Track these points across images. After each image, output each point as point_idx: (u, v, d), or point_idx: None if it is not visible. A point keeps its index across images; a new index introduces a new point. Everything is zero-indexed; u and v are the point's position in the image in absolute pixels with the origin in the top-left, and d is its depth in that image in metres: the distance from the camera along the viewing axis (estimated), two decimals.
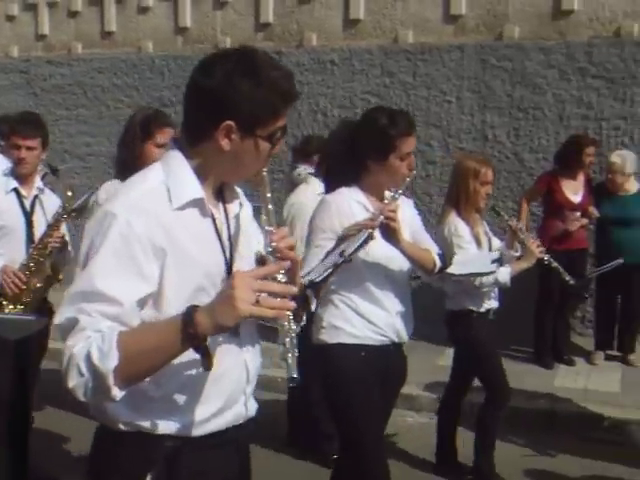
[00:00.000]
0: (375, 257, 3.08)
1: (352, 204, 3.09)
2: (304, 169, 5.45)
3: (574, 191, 6.38)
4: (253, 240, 1.94)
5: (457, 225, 4.13)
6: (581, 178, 6.44)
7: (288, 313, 1.61)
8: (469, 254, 4.08)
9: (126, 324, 1.65)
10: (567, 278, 4.36)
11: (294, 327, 1.63)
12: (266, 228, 1.75)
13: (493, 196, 5.01)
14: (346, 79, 7.73)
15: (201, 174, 1.79)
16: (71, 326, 1.63)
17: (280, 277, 1.66)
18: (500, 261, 4.01)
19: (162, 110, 4.03)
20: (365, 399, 3.10)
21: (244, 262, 1.86)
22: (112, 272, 1.65)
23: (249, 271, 1.64)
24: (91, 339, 1.59)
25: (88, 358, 1.57)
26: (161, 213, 1.72)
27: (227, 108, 1.71)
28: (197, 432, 1.80)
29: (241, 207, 1.93)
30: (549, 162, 6.90)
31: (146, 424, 1.76)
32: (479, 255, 4.13)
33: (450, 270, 3.65)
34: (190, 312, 1.56)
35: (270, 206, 1.80)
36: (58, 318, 1.67)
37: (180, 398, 1.78)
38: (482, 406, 4.32)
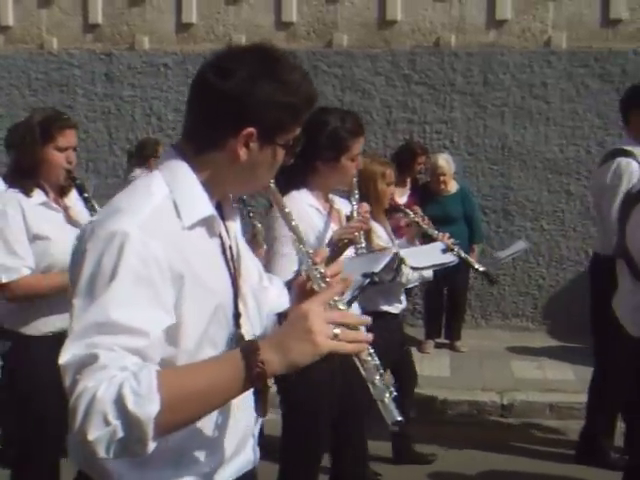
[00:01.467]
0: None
1: (307, 208, 3.02)
2: (140, 173, 5.39)
3: (400, 194, 6.74)
4: (249, 261, 1.74)
5: (373, 227, 4.20)
6: (408, 181, 6.82)
7: (367, 346, 1.43)
8: (409, 250, 4.08)
9: (151, 359, 1.39)
10: (476, 266, 4.47)
11: (377, 362, 1.44)
12: (302, 248, 1.63)
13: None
14: (180, 83, 7.71)
15: (208, 187, 1.56)
16: (84, 364, 1.33)
17: (340, 305, 1.47)
18: (447, 250, 4.02)
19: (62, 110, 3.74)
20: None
21: (247, 287, 1.66)
22: (132, 300, 1.39)
23: (315, 299, 1.44)
24: (118, 379, 1.30)
25: (119, 402, 1.28)
26: (174, 233, 1.49)
27: (249, 113, 1.50)
28: None
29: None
30: None
31: None
32: (420, 249, 4.19)
33: (413, 264, 3.66)
34: (253, 349, 1.35)
35: (294, 222, 1.69)
36: (64, 356, 1.36)
37: (190, 448, 1.55)
38: None
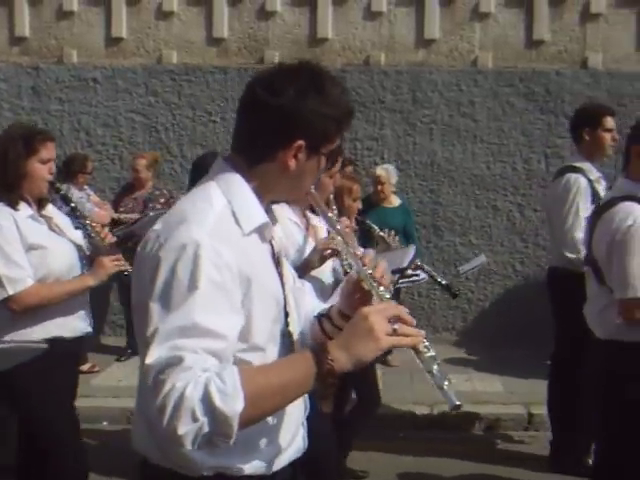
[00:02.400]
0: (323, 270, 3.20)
1: (287, 222, 3.16)
2: (67, 187, 5.30)
3: None
4: (287, 264, 1.90)
5: None
6: None
7: (423, 339, 1.59)
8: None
9: (227, 360, 1.54)
10: (439, 279, 4.51)
11: (433, 353, 1.59)
12: (351, 250, 1.82)
13: None
14: (109, 97, 7.61)
15: (259, 195, 1.70)
16: (170, 365, 1.45)
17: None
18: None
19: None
20: None
21: (288, 288, 1.81)
22: (212, 306, 1.51)
23: (378, 304, 1.65)
24: (203, 379, 1.44)
25: (207, 400, 1.43)
26: (238, 239, 1.62)
27: (299, 127, 1.64)
28: (272, 469, 1.73)
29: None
30: None
31: (230, 466, 1.66)
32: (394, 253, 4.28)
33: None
34: (323, 348, 1.53)
35: (339, 226, 1.88)
36: (150, 358, 1.48)
37: (256, 438, 1.68)
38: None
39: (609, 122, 4.59)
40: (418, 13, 7.44)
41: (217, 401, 1.42)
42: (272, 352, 1.69)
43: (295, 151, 1.65)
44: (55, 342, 3.14)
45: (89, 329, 3.37)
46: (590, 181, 4.51)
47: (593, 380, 3.27)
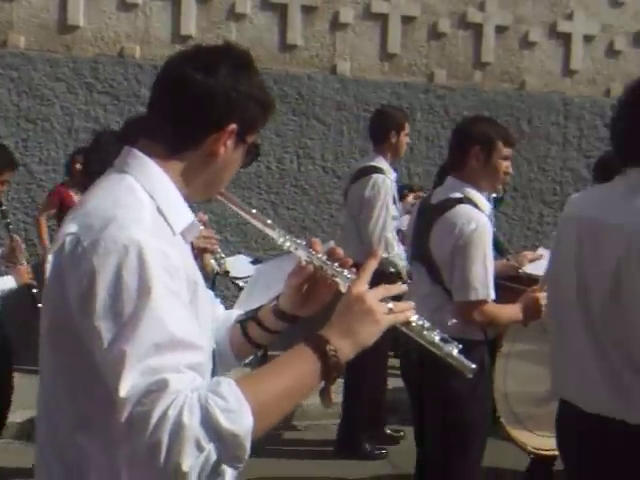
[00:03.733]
0: None
1: None
2: None
3: None
4: None
5: None
6: None
7: (414, 312, 1.50)
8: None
9: (202, 374, 1.32)
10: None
11: (427, 323, 1.50)
12: (296, 240, 1.61)
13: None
14: None
15: (180, 189, 1.50)
16: (151, 392, 1.22)
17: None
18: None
19: None
20: None
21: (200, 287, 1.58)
22: (176, 313, 1.30)
23: (359, 283, 1.47)
24: (195, 400, 1.23)
25: (210, 424, 1.22)
26: (172, 240, 1.42)
27: (234, 109, 1.48)
28: None
29: None
30: (59, 174, 6.93)
31: None
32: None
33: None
34: (323, 340, 1.39)
35: (269, 221, 1.65)
36: (123, 389, 1.22)
37: None
38: None
39: (407, 127, 5.02)
40: (175, 8, 7.35)
41: (223, 422, 1.23)
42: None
43: (227, 137, 1.50)
44: None
45: None
46: (391, 182, 4.84)
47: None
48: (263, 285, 3.28)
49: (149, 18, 7.34)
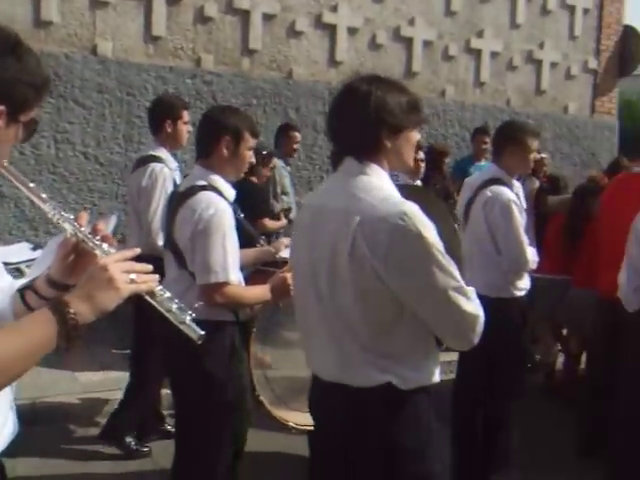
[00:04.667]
0: None
1: None
2: None
3: None
4: None
5: None
6: None
7: (158, 283, 1.66)
8: None
9: None
10: None
11: (169, 294, 1.68)
12: (63, 214, 1.74)
13: None
14: None
15: None
16: None
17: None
18: None
19: None
20: None
21: None
22: None
23: (111, 256, 1.64)
24: None
25: None
26: None
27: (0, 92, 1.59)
28: None
29: None
30: None
31: None
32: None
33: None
34: (63, 303, 1.52)
35: (44, 195, 1.75)
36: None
37: None
38: None
39: (186, 115, 4.87)
40: None
41: None
42: None
43: None
44: None
45: None
46: (170, 170, 4.75)
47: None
48: (44, 257, 3.25)
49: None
